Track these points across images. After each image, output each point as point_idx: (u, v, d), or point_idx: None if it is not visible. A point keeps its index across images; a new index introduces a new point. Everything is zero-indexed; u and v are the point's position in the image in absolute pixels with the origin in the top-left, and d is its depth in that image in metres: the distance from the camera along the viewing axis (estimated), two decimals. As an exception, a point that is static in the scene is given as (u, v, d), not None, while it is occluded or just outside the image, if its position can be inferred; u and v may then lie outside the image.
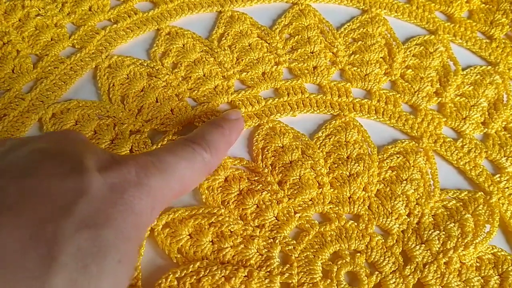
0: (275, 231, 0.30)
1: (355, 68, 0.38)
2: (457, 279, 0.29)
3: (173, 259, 0.28)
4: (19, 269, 0.17)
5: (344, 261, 0.29)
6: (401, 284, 0.29)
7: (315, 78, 0.37)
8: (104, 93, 0.34)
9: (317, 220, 0.31)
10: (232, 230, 0.30)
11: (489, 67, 0.39)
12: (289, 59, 0.38)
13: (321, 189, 0.32)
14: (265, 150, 0.33)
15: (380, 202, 0.32)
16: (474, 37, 0.41)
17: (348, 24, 0.41)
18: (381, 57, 0.39)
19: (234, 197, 0.31)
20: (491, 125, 0.36)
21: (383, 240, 0.30)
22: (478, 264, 0.30)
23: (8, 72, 0.34)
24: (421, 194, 0.32)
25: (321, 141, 0.34)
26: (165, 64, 0.36)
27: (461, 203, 0.32)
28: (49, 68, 0.35)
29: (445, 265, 0.30)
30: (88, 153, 0.22)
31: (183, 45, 0.38)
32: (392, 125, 0.36)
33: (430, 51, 0.40)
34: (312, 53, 0.38)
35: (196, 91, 0.35)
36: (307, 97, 0.36)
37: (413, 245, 0.30)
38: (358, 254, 0.30)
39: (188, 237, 0.29)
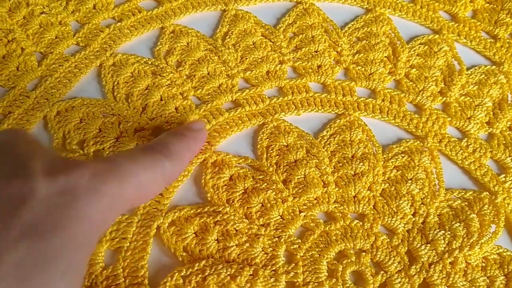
0: (280, 230, 0.30)
1: (359, 67, 0.38)
2: (463, 279, 0.29)
3: (179, 257, 0.28)
4: None
5: (349, 260, 0.29)
6: (407, 284, 0.29)
7: (319, 77, 0.37)
8: (108, 91, 0.34)
9: (322, 219, 0.31)
10: (237, 228, 0.30)
11: (494, 66, 0.39)
12: (293, 58, 0.38)
13: (326, 188, 0.32)
14: (270, 149, 0.33)
15: (385, 201, 0.32)
16: (479, 37, 0.41)
17: (352, 23, 0.41)
18: (385, 56, 0.39)
19: (239, 195, 0.31)
20: (496, 125, 0.36)
21: (388, 240, 0.30)
22: (483, 264, 0.30)
23: (12, 70, 0.34)
24: (426, 194, 0.32)
25: (325, 140, 0.34)
26: (169, 63, 0.36)
27: (466, 203, 0.32)
28: (54, 66, 0.35)
29: (450, 265, 0.30)
30: (36, 156, 0.21)
31: (187, 44, 0.38)
32: (396, 124, 0.36)
33: (434, 50, 0.39)
34: (316, 52, 0.38)
35: (200, 90, 0.35)
36: (311, 96, 0.36)
37: (419, 244, 0.30)
38: (364, 253, 0.30)
39: (194, 235, 0.29)
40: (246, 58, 0.37)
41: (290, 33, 0.39)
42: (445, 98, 0.37)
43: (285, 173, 0.32)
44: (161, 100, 0.34)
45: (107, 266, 0.28)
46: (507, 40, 0.41)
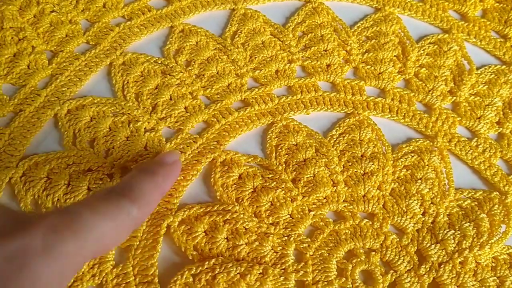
0: (289, 229, 0.30)
1: (368, 67, 0.38)
2: (473, 279, 0.29)
3: (189, 256, 0.28)
4: None
5: (359, 259, 0.29)
6: (416, 284, 0.29)
7: (328, 76, 0.37)
8: (118, 90, 0.35)
9: (331, 219, 0.31)
10: (246, 227, 0.30)
11: (504, 66, 0.39)
12: (302, 57, 0.38)
13: (335, 187, 0.32)
14: (279, 148, 0.33)
15: (394, 201, 0.32)
16: (488, 36, 0.41)
17: (362, 22, 0.40)
18: (394, 56, 0.39)
19: (248, 194, 0.31)
20: (506, 124, 0.36)
21: (398, 239, 0.30)
22: (493, 264, 0.30)
23: (23, 68, 0.35)
24: (436, 193, 0.32)
25: (335, 139, 0.34)
26: (178, 62, 0.36)
27: (476, 203, 0.32)
28: (64, 64, 0.35)
29: (460, 265, 0.30)
30: None
31: (197, 43, 0.38)
32: (406, 124, 0.36)
33: (444, 50, 0.39)
34: (325, 51, 0.38)
35: (209, 89, 0.35)
36: (320, 95, 0.36)
37: (428, 244, 0.30)
38: (373, 252, 0.30)
39: (204, 234, 0.29)
40: (255, 57, 0.37)
41: (299, 32, 0.39)
42: (455, 98, 0.37)
43: (294, 172, 0.32)
44: (171, 99, 0.35)
45: (117, 264, 0.28)
46: (517, 40, 0.41)
